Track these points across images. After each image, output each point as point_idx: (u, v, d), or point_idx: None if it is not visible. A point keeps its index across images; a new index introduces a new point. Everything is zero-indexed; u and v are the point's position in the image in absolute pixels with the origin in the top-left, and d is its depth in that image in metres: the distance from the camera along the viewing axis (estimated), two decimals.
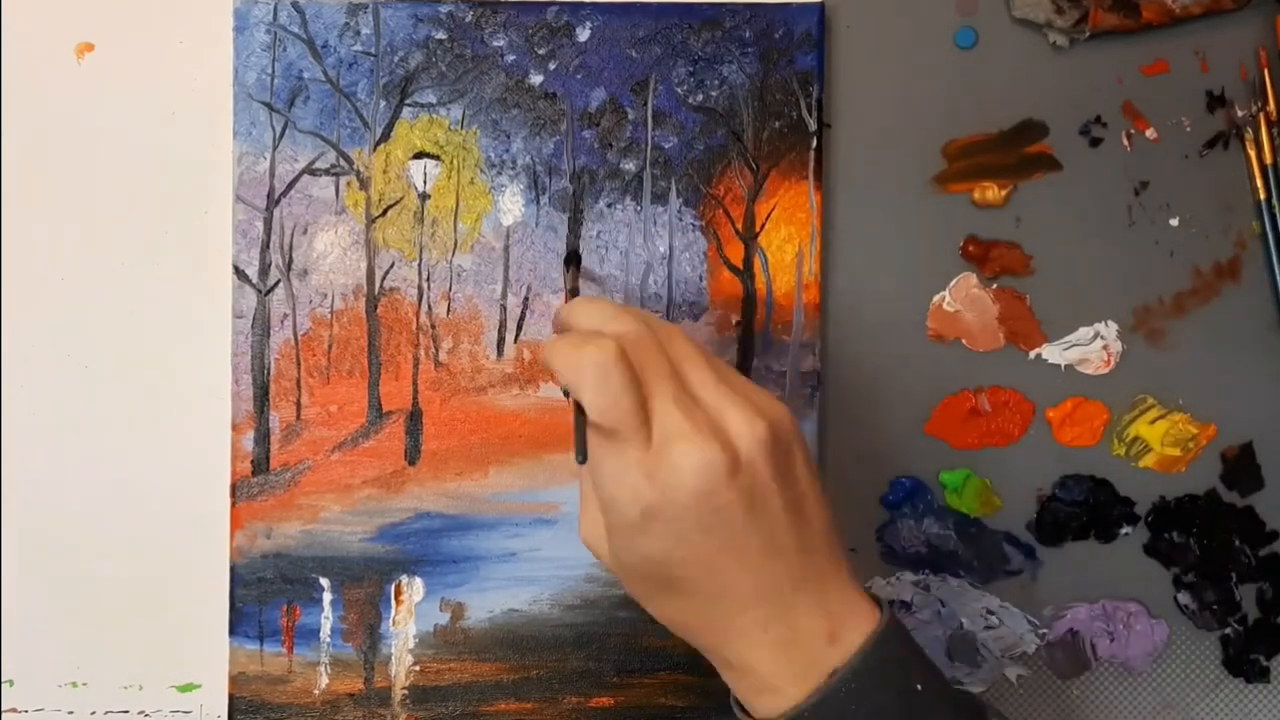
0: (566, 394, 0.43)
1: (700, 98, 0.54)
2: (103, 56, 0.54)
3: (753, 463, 0.40)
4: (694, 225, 0.54)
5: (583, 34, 0.54)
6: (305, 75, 0.53)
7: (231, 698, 0.54)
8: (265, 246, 0.54)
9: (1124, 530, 0.55)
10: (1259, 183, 0.54)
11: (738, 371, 0.45)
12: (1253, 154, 0.54)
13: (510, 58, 0.54)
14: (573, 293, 0.50)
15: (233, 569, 0.53)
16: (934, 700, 0.42)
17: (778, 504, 0.41)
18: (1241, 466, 0.54)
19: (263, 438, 0.54)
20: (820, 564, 0.42)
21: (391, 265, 0.54)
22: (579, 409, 0.41)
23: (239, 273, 0.54)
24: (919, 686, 0.41)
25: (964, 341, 0.55)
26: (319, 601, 0.54)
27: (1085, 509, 0.54)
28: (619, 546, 0.42)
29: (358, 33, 0.53)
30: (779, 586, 0.41)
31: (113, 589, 0.54)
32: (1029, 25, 0.54)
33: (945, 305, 0.54)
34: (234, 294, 0.54)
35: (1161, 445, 0.54)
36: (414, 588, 0.54)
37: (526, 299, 0.54)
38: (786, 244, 0.54)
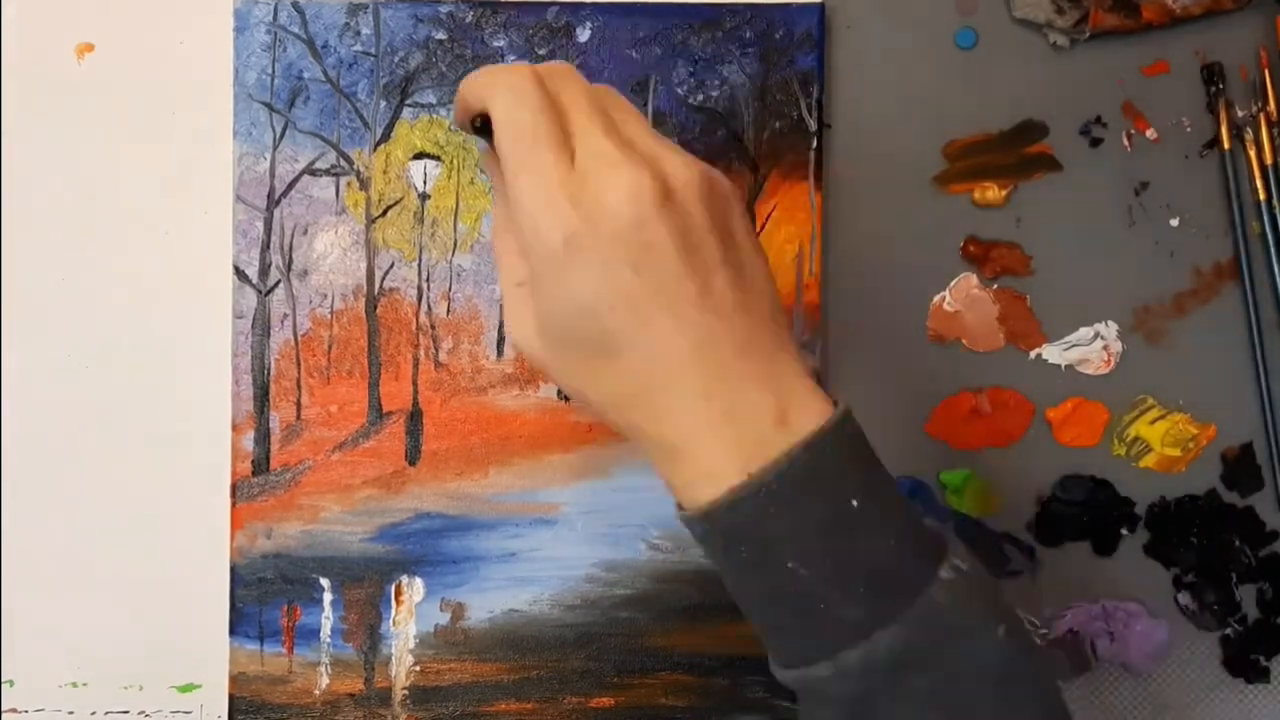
0: (479, 130, 0.40)
1: (700, 98, 0.54)
2: (103, 56, 0.54)
3: (686, 200, 0.37)
4: None
5: (583, 34, 0.54)
6: (305, 75, 0.53)
7: (232, 698, 0.54)
8: (265, 247, 0.54)
9: (1124, 531, 0.55)
10: (1259, 183, 0.54)
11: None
12: (1253, 154, 0.54)
13: (511, 58, 0.54)
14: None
15: (233, 569, 0.53)
16: (873, 524, 0.37)
17: (715, 254, 0.37)
18: (1242, 467, 0.54)
19: (263, 438, 0.54)
20: (765, 336, 0.38)
21: (391, 265, 0.54)
22: (484, 127, 0.39)
23: (239, 273, 0.54)
24: (855, 503, 0.36)
25: (964, 341, 0.55)
26: (319, 602, 0.54)
27: (1085, 509, 0.54)
28: (545, 297, 0.38)
29: (358, 33, 0.53)
30: (719, 348, 0.37)
31: (113, 589, 0.54)
32: (1029, 26, 0.54)
33: (945, 305, 0.54)
34: (234, 294, 0.54)
35: (1162, 445, 0.54)
36: (414, 588, 0.54)
37: None
38: (787, 244, 0.54)
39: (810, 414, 0.37)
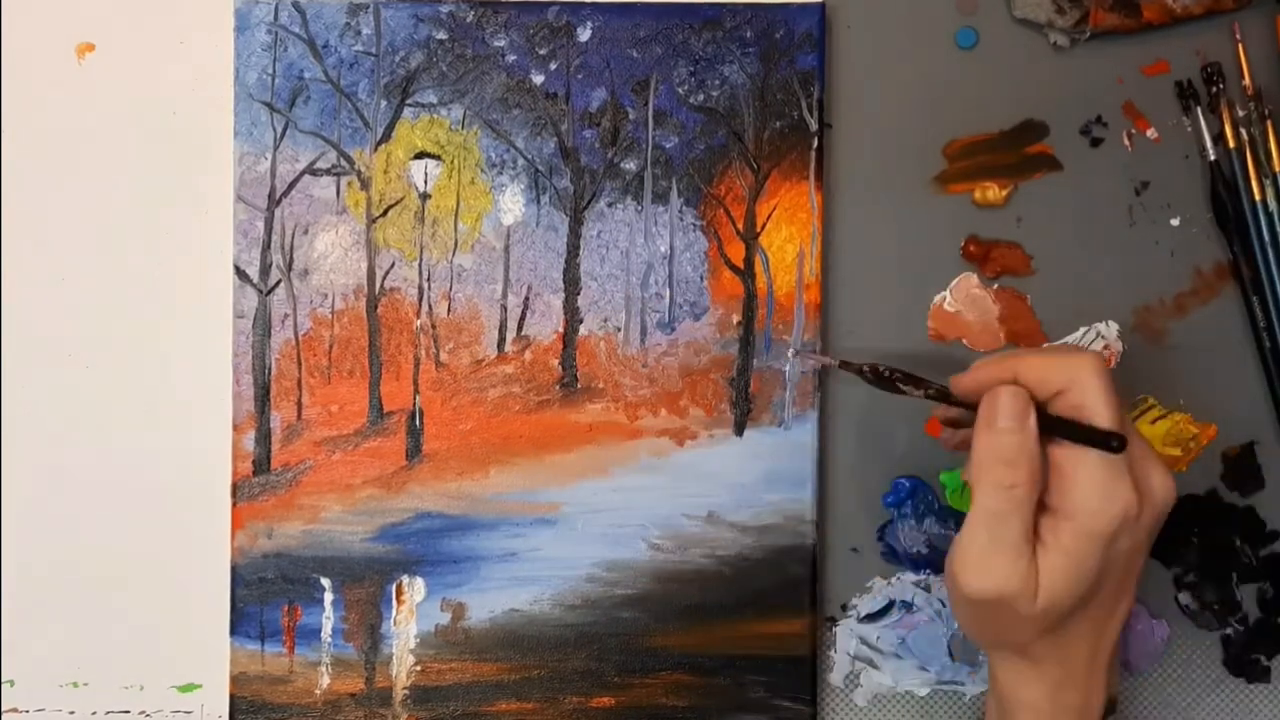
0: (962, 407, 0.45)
1: (701, 97, 0.54)
2: (103, 56, 0.54)
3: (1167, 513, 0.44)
4: (695, 225, 0.54)
5: (584, 34, 0.54)
6: (306, 75, 0.53)
7: (232, 698, 0.54)
8: (266, 246, 0.54)
9: None
10: (1254, 184, 0.54)
11: None
12: (1249, 154, 0.54)
13: (511, 58, 0.54)
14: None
15: (234, 569, 0.53)
16: None
17: (1148, 552, 0.45)
18: (1242, 466, 0.55)
19: (264, 438, 0.54)
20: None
21: (392, 265, 0.54)
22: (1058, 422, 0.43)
23: (240, 273, 0.54)
24: None
25: (965, 341, 0.54)
26: (320, 601, 0.54)
27: None
28: (1076, 560, 0.42)
29: (358, 33, 0.53)
30: (1124, 615, 0.45)
31: (113, 589, 0.54)
32: (1029, 25, 0.54)
33: (946, 305, 0.55)
34: (235, 294, 0.54)
35: (1162, 445, 0.54)
36: (415, 588, 0.54)
37: (527, 299, 0.54)
38: (787, 244, 0.54)
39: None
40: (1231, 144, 0.53)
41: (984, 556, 0.42)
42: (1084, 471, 0.42)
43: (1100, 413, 0.42)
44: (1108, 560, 0.42)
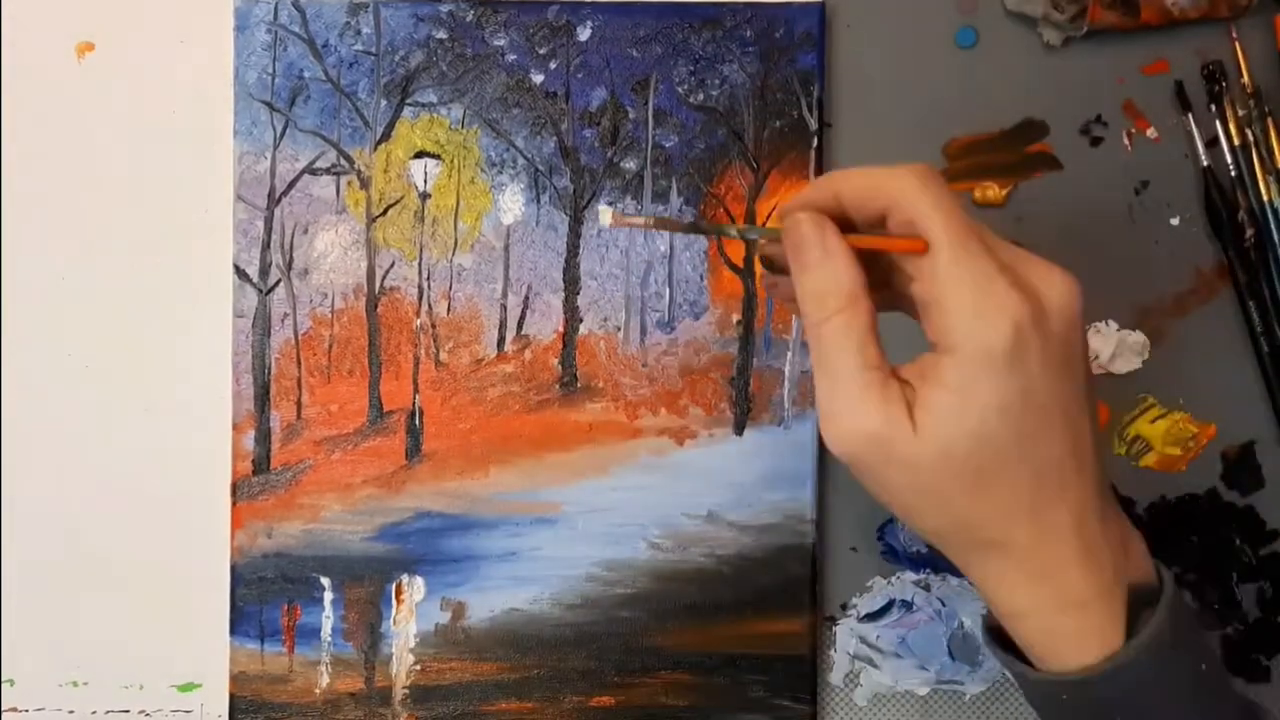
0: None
1: (701, 97, 0.54)
2: (103, 56, 0.54)
3: (1069, 318, 0.36)
4: None
5: (583, 33, 0.54)
6: (306, 74, 0.53)
7: (232, 697, 0.54)
8: (266, 246, 0.54)
9: None
10: (1261, 182, 0.54)
11: None
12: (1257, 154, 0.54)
13: (511, 57, 0.54)
14: None
15: (233, 568, 0.53)
16: (1218, 685, 0.37)
17: (1084, 380, 0.36)
18: (1242, 466, 0.55)
19: (263, 437, 0.54)
20: (1103, 471, 0.37)
21: (392, 265, 0.54)
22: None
23: (239, 272, 0.54)
24: (1203, 666, 0.37)
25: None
26: (320, 601, 0.54)
27: None
28: (955, 402, 0.35)
29: (358, 32, 0.53)
30: (1097, 471, 0.36)
31: (113, 589, 0.54)
32: (1023, 19, 0.54)
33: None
34: (234, 293, 0.54)
35: (1162, 444, 0.54)
36: (415, 587, 0.54)
37: (526, 298, 0.54)
38: None
39: (1143, 566, 0.37)
40: (1237, 141, 0.53)
41: (830, 401, 0.36)
42: (948, 294, 0.35)
43: (933, 224, 0.35)
44: (1023, 390, 0.35)
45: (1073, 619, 0.36)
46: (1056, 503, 0.36)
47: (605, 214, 0.38)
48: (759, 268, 0.54)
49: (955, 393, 0.35)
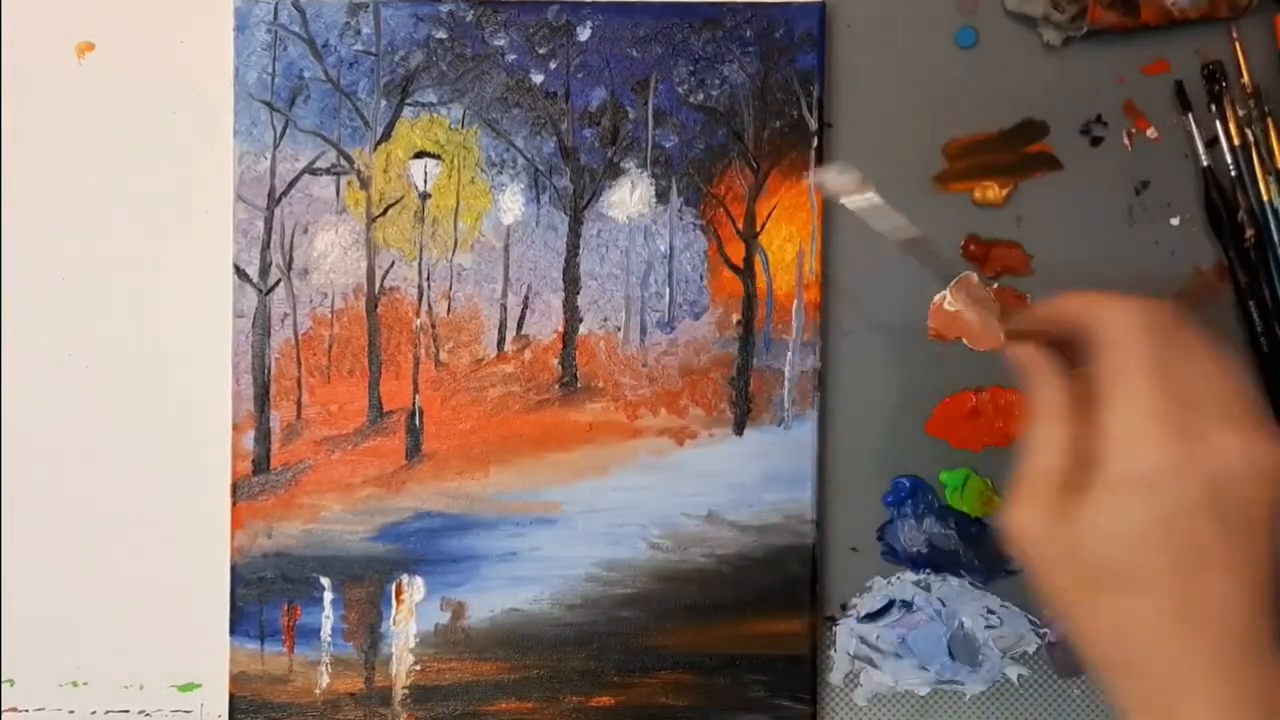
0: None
1: (701, 97, 0.54)
2: (103, 56, 0.54)
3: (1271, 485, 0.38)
4: (695, 224, 0.54)
5: (583, 33, 0.54)
6: (306, 74, 0.53)
7: (232, 697, 0.54)
8: (266, 246, 0.54)
9: None
10: (1261, 182, 0.54)
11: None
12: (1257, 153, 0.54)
13: (511, 57, 0.54)
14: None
15: (233, 568, 0.53)
16: None
17: (1264, 545, 0.38)
18: None
19: (263, 437, 0.54)
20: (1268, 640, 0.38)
21: (392, 264, 0.54)
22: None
23: (239, 272, 0.54)
24: None
25: (965, 341, 0.54)
26: (320, 601, 0.54)
27: None
28: (1097, 510, 0.38)
29: (358, 32, 0.53)
30: (1249, 639, 0.38)
31: (113, 589, 0.54)
32: (1023, 19, 0.54)
33: (946, 305, 0.54)
34: (234, 294, 0.54)
35: None
36: (414, 587, 0.54)
37: (526, 298, 0.54)
38: (787, 243, 0.54)
39: None
40: (1237, 141, 0.53)
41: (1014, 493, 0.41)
42: (1113, 418, 0.39)
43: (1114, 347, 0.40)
44: (1167, 522, 0.37)
45: None
46: (1203, 642, 0.38)
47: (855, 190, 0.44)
48: (758, 268, 0.54)
49: (1097, 506, 0.38)
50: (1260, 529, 0.38)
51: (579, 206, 0.54)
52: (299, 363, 0.54)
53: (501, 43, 0.54)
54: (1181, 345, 0.40)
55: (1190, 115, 0.54)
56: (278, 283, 0.54)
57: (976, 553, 0.55)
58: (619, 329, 0.54)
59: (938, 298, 0.54)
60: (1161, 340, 0.39)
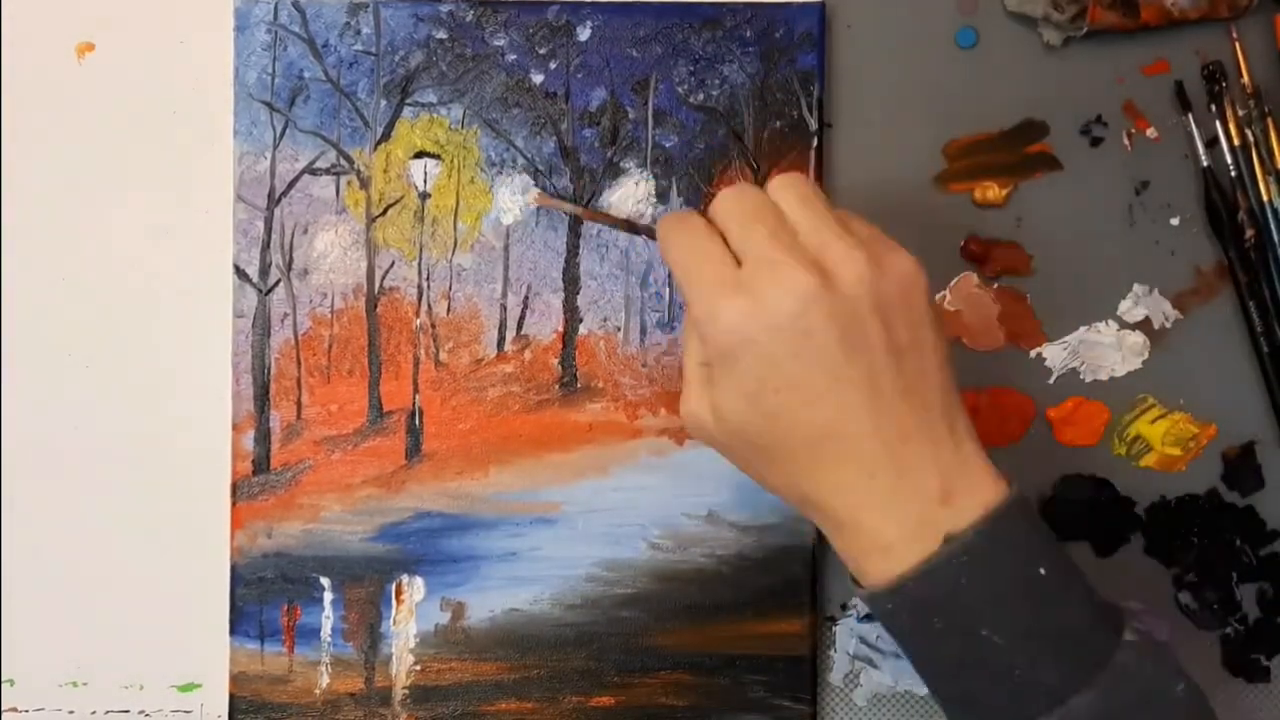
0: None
1: (701, 97, 0.54)
2: (103, 56, 0.54)
3: (850, 293, 0.40)
4: None
5: (583, 33, 0.54)
6: (306, 75, 0.53)
7: (232, 697, 0.54)
8: (265, 246, 0.54)
9: (1125, 531, 0.55)
10: (1261, 183, 0.54)
11: (870, 224, 0.44)
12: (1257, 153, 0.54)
13: (511, 57, 0.54)
14: None
15: (233, 568, 0.53)
16: (1059, 591, 0.40)
17: (879, 342, 0.40)
18: (1242, 466, 0.54)
19: (263, 437, 0.54)
20: (933, 420, 0.41)
21: (391, 264, 0.54)
22: None
23: (239, 272, 0.54)
24: (1043, 571, 0.39)
25: (964, 341, 0.55)
26: (320, 601, 0.54)
27: (1086, 509, 0.54)
28: (719, 390, 0.41)
29: (358, 32, 0.53)
30: (882, 432, 0.40)
31: (113, 589, 0.54)
32: (1024, 20, 0.54)
33: (946, 304, 0.55)
34: (234, 294, 0.54)
35: (1162, 445, 0.54)
36: (414, 587, 0.54)
37: (526, 298, 0.54)
38: None
39: (979, 495, 0.40)
40: (1236, 141, 0.53)
41: (684, 385, 0.44)
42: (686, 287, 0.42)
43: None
44: (796, 357, 0.40)
45: (877, 560, 0.41)
46: (841, 462, 0.41)
47: (531, 194, 0.47)
48: None
49: (708, 372, 0.42)
50: (861, 332, 0.40)
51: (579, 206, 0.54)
52: (299, 363, 0.54)
53: (501, 43, 0.54)
54: (768, 209, 0.42)
55: (1190, 115, 0.54)
56: (278, 283, 0.54)
57: None
58: (619, 329, 0.54)
59: (938, 297, 0.54)
60: (745, 210, 0.42)
